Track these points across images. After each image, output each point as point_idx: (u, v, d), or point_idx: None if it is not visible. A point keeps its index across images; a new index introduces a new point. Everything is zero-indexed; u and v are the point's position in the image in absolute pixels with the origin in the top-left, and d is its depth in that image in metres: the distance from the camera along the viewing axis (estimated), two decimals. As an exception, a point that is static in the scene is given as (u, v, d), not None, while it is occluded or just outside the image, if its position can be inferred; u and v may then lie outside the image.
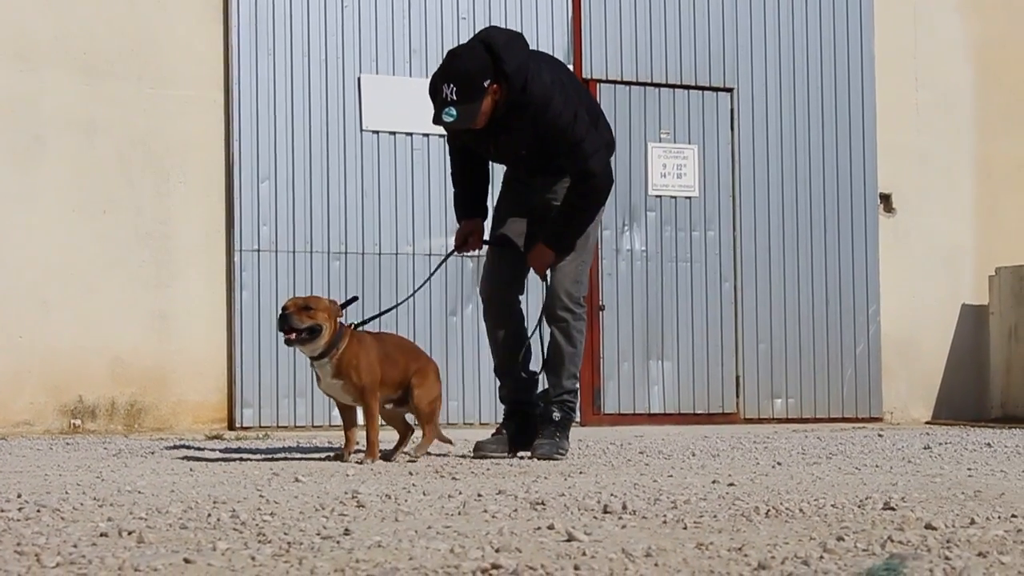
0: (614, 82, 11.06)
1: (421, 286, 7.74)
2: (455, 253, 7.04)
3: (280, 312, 6.20)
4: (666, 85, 11.22)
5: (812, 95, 11.63)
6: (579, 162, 6.55)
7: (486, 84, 6.34)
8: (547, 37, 10.76)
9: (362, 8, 10.38)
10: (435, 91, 6.42)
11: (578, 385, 6.97)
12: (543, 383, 6.94)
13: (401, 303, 7.70)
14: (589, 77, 10.97)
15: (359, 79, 10.35)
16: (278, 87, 10.14)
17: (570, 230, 6.67)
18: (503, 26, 9.90)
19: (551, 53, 10.49)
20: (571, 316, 6.79)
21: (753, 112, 11.46)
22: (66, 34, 9.72)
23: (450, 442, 6.91)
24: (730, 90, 11.42)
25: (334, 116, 10.29)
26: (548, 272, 6.76)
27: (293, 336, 6.11)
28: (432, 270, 7.24)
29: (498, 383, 7.03)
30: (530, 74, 6.45)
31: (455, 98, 6.30)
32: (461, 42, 7.25)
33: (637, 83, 11.14)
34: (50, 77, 9.69)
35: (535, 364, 6.95)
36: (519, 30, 6.48)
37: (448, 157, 7.06)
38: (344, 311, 6.36)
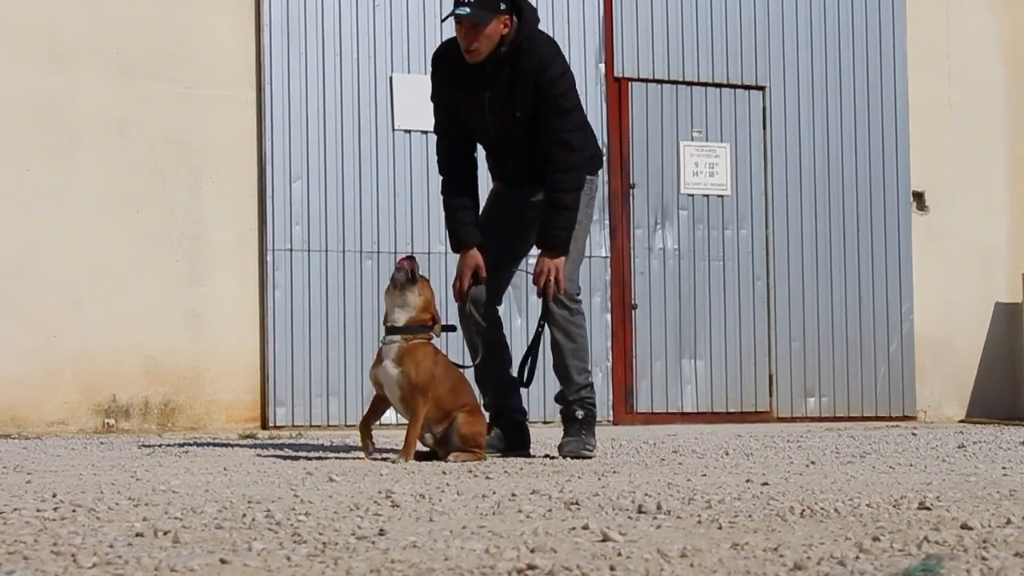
0: (646, 80, 11.05)
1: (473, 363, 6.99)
2: (467, 291, 6.75)
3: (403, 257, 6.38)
4: (698, 83, 11.21)
5: (844, 93, 11.59)
6: (561, 132, 6.51)
7: (502, 6, 6.43)
8: (579, 36, 10.76)
9: (393, 7, 10.40)
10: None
11: (591, 379, 6.95)
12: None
13: (471, 365, 7.12)
14: (621, 76, 10.96)
15: (391, 78, 10.37)
16: (310, 86, 10.16)
17: (560, 222, 6.59)
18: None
19: (583, 52, 10.60)
20: (568, 312, 6.77)
21: (785, 110, 11.43)
22: (99, 34, 9.76)
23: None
24: (762, 88, 11.39)
25: (366, 115, 10.31)
26: (544, 280, 6.67)
27: (406, 263, 6.26)
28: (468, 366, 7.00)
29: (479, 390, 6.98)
30: (538, 32, 6.58)
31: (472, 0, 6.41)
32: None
33: (669, 81, 11.12)
34: (83, 77, 9.73)
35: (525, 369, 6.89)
36: (550, 30, 6.54)
37: (435, 149, 6.85)
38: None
